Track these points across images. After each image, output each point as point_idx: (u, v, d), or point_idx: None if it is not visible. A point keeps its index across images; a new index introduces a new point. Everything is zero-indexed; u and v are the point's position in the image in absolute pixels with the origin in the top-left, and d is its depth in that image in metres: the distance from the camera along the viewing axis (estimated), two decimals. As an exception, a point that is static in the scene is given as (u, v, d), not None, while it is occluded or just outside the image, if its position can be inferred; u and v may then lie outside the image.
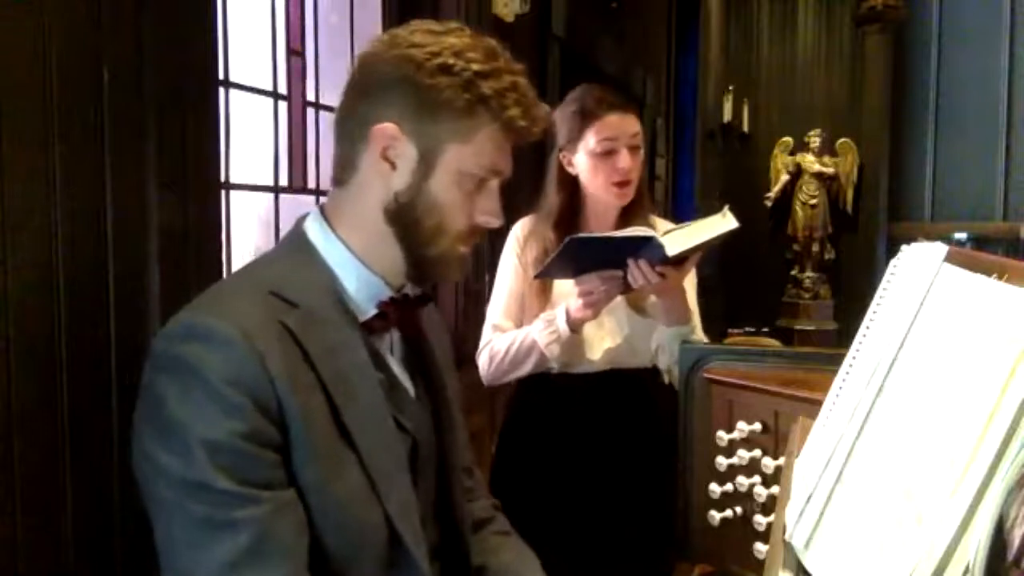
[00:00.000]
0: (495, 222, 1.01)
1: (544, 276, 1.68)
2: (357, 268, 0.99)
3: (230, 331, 0.85)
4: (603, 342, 1.73)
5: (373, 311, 0.99)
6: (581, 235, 1.56)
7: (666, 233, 1.52)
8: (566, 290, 1.69)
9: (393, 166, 0.96)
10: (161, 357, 0.88)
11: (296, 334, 0.90)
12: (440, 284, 2.62)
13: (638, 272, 1.54)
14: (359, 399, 0.93)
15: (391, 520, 0.93)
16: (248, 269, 1.04)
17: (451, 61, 0.93)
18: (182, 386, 0.84)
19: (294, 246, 1.01)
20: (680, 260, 1.54)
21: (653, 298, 1.68)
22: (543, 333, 1.66)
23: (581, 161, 1.73)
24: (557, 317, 1.65)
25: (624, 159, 1.69)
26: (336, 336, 0.94)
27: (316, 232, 1.00)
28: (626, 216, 1.77)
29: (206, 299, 0.94)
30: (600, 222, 1.78)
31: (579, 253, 1.54)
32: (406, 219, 0.97)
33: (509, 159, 1.00)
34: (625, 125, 1.71)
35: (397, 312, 1.01)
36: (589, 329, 1.71)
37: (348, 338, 0.95)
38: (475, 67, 0.93)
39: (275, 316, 0.90)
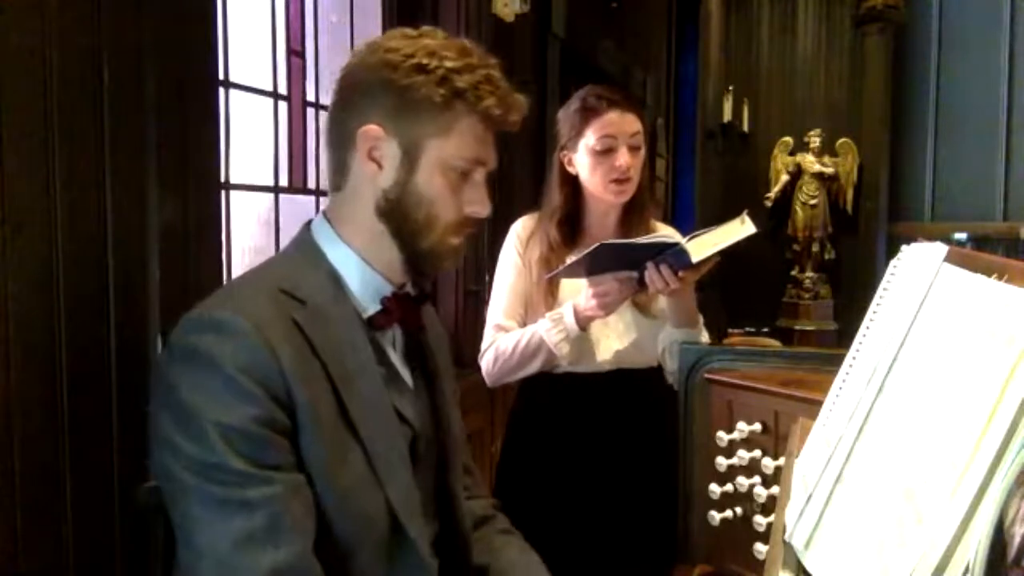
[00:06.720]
0: (483, 212, 1.05)
1: (558, 277, 1.68)
2: (360, 267, 1.04)
3: (243, 323, 0.90)
4: (610, 342, 1.73)
5: (376, 308, 1.04)
6: (609, 241, 1.57)
7: (690, 239, 1.53)
8: (574, 289, 1.69)
9: (379, 166, 1.01)
10: (177, 348, 0.92)
11: (304, 329, 0.94)
12: (440, 286, 2.62)
13: (658, 276, 1.54)
14: (362, 392, 0.98)
15: (393, 508, 0.97)
16: (260, 269, 1.08)
17: (425, 60, 0.98)
18: (197, 374, 0.89)
19: (302, 248, 1.06)
20: (697, 264, 1.55)
21: (663, 300, 1.68)
22: (551, 332, 1.65)
23: (581, 159, 1.73)
24: (564, 315, 1.65)
25: (622, 157, 1.69)
26: (341, 331, 0.99)
27: (321, 235, 1.05)
28: (627, 216, 1.77)
29: (221, 295, 0.99)
30: (601, 222, 1.78)
31: (603, 258, 1.55)
32: (397, 215, 1.02)
33: (492, 150, 1.04)
34: (624, 123, 1.71)
35: (399, 308, 1.06)
36: (595, 329, 1.70)
37: (353, 333, 1.00)
38: (449, 64, 0.98)
39: (285, 311, 0.95)
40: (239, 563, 0.85)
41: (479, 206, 1.04)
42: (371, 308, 1.04)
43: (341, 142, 1.02)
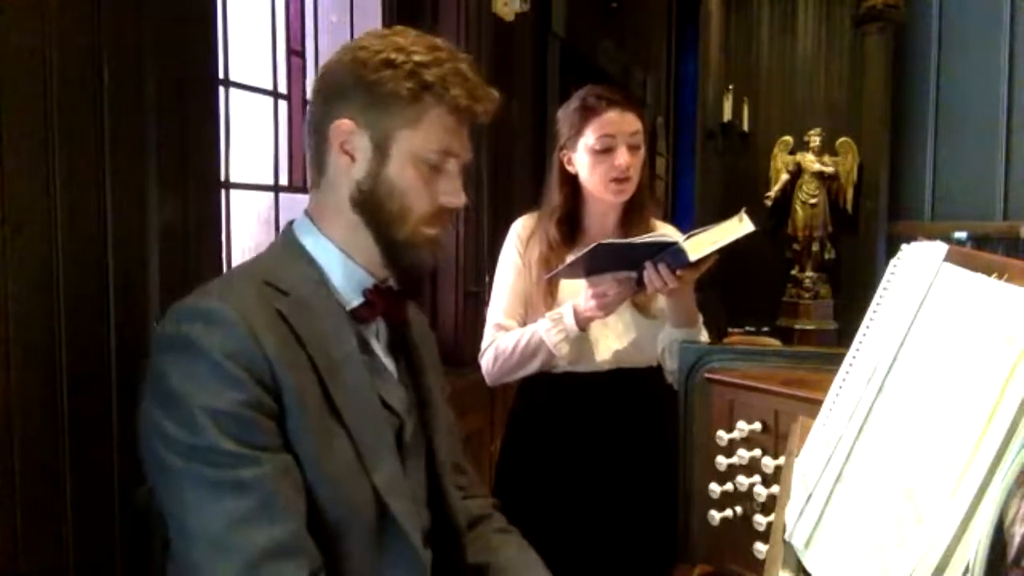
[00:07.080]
0: (457, 202, 1.07)
1: (557, 277, 1.68)
2: (342, 260, 1.06)
3: (228, 312, 0.92)
4: (609, 342, 1.73)
5: (359, 300, 1.06)
6: (608, 241, 1.57)
7: (688, 238, 1.53)
8: (574, 289, 1.69)
9: (352, 158, 1.04)
10: (165, 337, 0.94)
11: (288, 318, 0.96)
12: (440, 286, 2.62)
13: (656, 276, 1.54)
14: (347, 380, 0.99)
15: (379, 495, 0.98)
16: (247, 264, 1.10)
17: (394, 56, 1.01)
18: (185, 362, 0.90)
19: (284, 245, 1.08)
20: (696, 263, 1.55)
21: (662, 300, 1.68)
22: (551, 332, 1.65)
23: (580, 158, 1.73)
24: (564, 316, 1.65)
25: (622, 156, 1.69)
26: (325, 322, 1.01)
27: (303, 231, 1.08)
28: (627, 216, 1.78)
29: (208, 286, 1.00)
30: (601, 222, 1.78)
31: (602, 257, 1.55)
32: (370, 205, 1.04)
33: (464, 141, 1.06)
34: (624, 123, 1.71)
35: (382, 301, 1.08)
36: (595, 329, 1.70)
37: (336, 324, 1.02)
38: (417, 58, 1.01)
39: (269, 302, 0.97)
40: (232, 543, 0.86)
41: (453, 196, 1.06)
42: (354, 300, 1.06)
43: (318, 139, 1.05)
